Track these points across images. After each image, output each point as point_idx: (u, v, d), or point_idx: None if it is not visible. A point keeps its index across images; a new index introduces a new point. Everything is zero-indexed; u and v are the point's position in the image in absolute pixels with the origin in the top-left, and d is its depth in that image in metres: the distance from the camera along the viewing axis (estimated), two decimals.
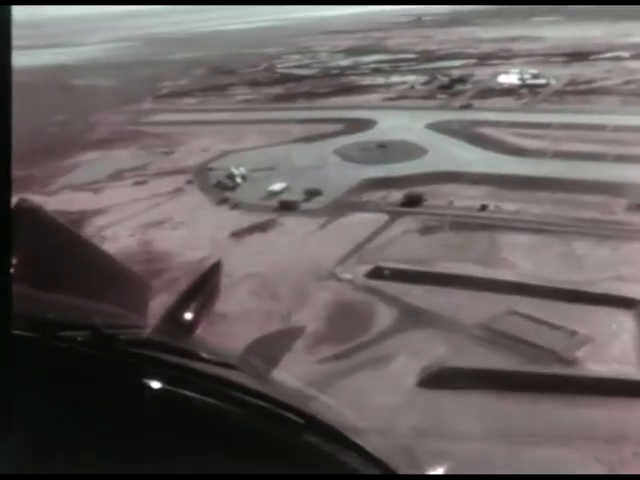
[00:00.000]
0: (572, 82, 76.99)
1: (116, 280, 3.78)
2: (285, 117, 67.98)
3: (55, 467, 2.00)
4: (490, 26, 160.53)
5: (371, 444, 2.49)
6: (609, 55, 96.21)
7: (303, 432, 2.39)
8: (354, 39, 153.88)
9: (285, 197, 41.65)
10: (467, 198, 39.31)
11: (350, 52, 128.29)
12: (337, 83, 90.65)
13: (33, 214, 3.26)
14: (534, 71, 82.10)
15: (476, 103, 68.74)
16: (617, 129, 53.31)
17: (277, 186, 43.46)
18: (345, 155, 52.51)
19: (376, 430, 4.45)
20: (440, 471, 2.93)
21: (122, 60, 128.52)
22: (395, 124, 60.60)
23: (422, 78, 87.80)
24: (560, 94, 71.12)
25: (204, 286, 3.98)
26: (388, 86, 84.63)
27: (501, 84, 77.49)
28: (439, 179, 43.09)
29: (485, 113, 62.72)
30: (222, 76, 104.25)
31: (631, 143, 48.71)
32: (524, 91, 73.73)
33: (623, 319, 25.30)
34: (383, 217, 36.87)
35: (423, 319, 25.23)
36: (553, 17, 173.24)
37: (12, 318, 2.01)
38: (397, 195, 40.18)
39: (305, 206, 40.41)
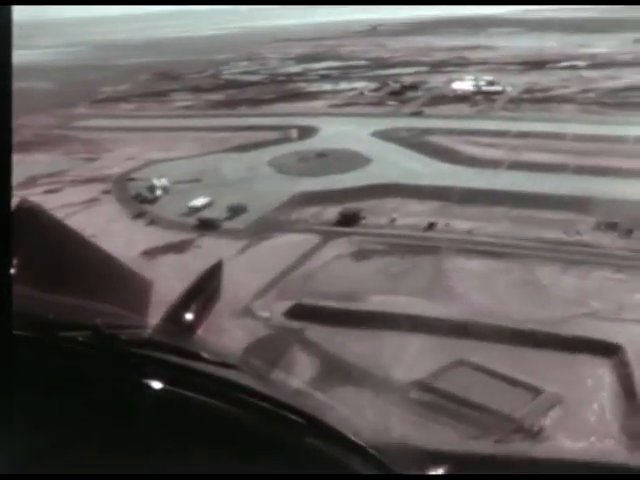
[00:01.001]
0: (529, 90, 73.01)
1: (116, 280, 3.93)
2: (223, 125, 62.59)
3: (55, 467, 1.98)
4: (446, 35, 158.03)
5: (371, 444, 2.39)
6: (566, 64, 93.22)
7: (303, 432, 2.36)
8: (307, 47, 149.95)
9: (206, 214, 36.31)
10: (412, 215, 34.01)
11: (300, 59, 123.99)
12: (283, 89, 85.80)
13: (33, 214, 3.47)
14: (489, 78, 78.08)
15: (428, 110, 64.09)
16: (577, 138, 48.92)
17: (199, 201, 38.19)
18: (280, 166, 47.20)
19: (376, 430, 4.71)
20: (440, 471, 2.87)
21: (66, 64, 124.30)
22: (339, 132, 55.57)
23: (372, 85, 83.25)
24: (517, 102, 66.92)
25: (204, 287, 4.00)
26: (336, 92, 79.86)
27: (455, 91, 73.15)
28: (382, 193, 37.76)
29: (437, 120, 57.97)
30: (165, 82, 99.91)
31: (592, 153, 44.24)
32: (479, 98, 69.43)
33: (600, 371, 20.17)
34: (314, 239, 31.29)
35: (346, 376, 19.58)
36: (509, 28, 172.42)
37: (12, 318, 2.04)
38: (333, 212, 34.66)
39: (227, 225, 34.95)
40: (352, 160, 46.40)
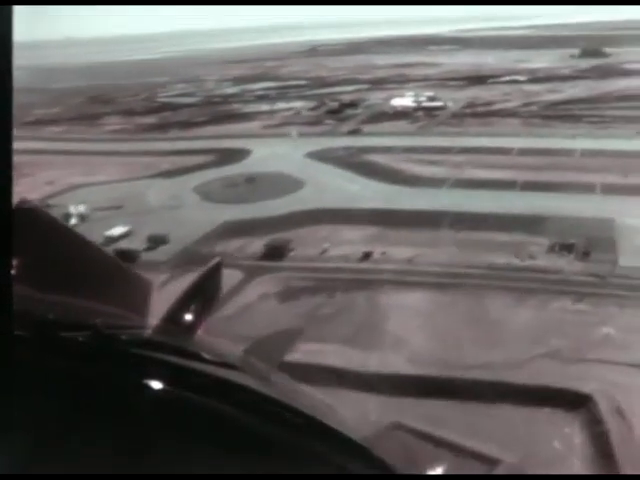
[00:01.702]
0: (470, 104, 70.78)
1: (117, 280, 3.65)
2: (151, 149, 58.39)
3: (55, 466, 1.99)
4: (386, 54, 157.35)
5: (371, 444, 2.44)
6: (506, 79, 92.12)
7: (303, 432, 2.37)
8: (246, 68, 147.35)
9: (124, 244, 32.39)
10: (346, 244, 30.24)
11: (238, 80, 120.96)
12: (218, 111, 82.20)
13: (34, 215, 3.25)
14: (430, 94, 75.68)
15: (367, 128, 60.99)
16: (523, 153, 46.24)
17: (117, 230, 34.35)
18: (206, 193, 43.22)
19: (376, 430, 4.33)
20: (440, 471, 2.97)
21: None
22: (271, 154, 51.83)
23: (310, 104, 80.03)
24: (459, 117, 64.42)
25: (204, 287, 3.89)
26: (272, 113, 76.43)
27: (395, 107, 70.36)
28: (313, 220, 33.99)
29: (376, 138, 54.78)
30: (99, 105, 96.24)
31: (540, 168, 41.49)
32: (420, 114, 66.71)
33: (568, 429, 16.65)
34: (237, 275, 27.24)
35: None
36: (448, 46, 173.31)
37: (12, 318, 2.07)
38: (260, 244, 30.73)
39: (147, 256, 30.85)
40: (283, 184, 42.65)
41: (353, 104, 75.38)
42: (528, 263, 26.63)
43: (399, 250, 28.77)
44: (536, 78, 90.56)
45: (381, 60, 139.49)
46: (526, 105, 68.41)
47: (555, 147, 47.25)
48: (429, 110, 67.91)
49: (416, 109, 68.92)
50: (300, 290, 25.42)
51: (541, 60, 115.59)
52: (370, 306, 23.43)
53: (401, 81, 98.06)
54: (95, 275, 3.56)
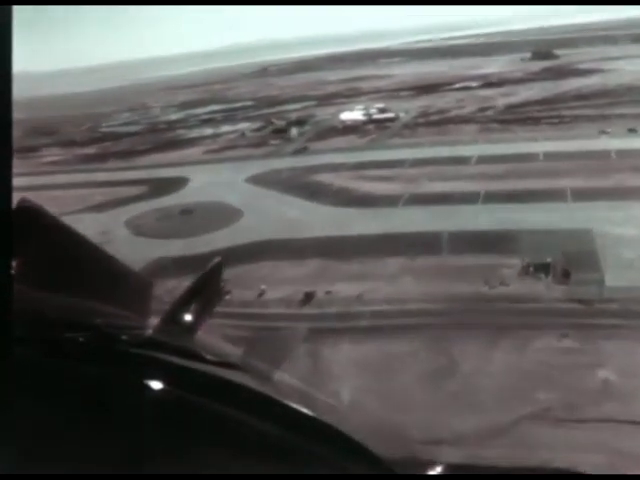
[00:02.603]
0: (423, 114, 67.21)
1: (117, 280, 3.55)
2: (86, 180, 53.73)
3: (55, 467, 2.00)
4: (337, 70, 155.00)
5: (371, 444, 2.38)
6: (458, 86, 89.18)
7: (303, 432, 2.34)
8: (194, 93, 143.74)
9: None
10: (287, 283, 25.58)
11: (184, 106, 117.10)
12: (160, 138, 77.80)
13: (34, 214, 3.15)
14: (380, 105, 71.99)
15: (314, 145, 56.82)
16: (482, 160, 42.33)
17: None
18: (138, 227, 38.53)
19: (376, 430, 4.10)
20: (440, 471, 2.70)
21: None
22: (211, 181, 47.41)
23: (255, 124, 75.90)
24: (412, 127, 60.67)
25: (205, 287, 3.80)
26: (215, 137, 72.13)
27: (344, 122, 66.40)
28: (251, 255, 29.35)
29: (323, 156, 50.54)
30: (39, 137, 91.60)
31: (502, 176, 37.56)
32: (370, 127, 62.83)
33: None
34: None
35: None
36: (398, 58, 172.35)
37: (12, 318, 2.07)
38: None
39: None
40: (221, 215, 38.07)
41: (300, 121, 71.29)
42: (500, 291, 22.33)
43: (346, 286, 24.25)
44: (489, 83, 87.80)
45: (331, 76, 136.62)
46: (481, 110, 65.06)
47: (516, 152, 43.47)
48: (380, 122, 64.13)
49: (366, 122, 65.08)
50: (234, 342, 20.71)
51: (492, 65, 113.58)
52: (309, 363, 18.73)
53: (352, 95, 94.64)
54: (95, 275, 3.35)
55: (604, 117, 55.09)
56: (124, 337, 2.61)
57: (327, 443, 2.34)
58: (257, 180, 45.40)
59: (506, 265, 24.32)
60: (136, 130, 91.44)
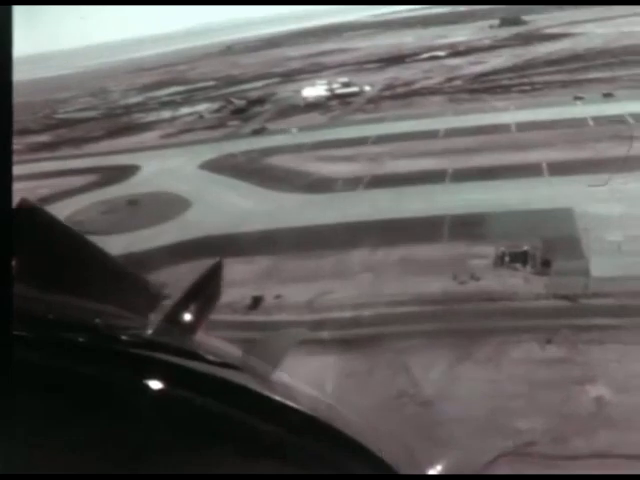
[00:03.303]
0: (389, 86, 63.86)
1: (116, 280, 3.67)
2: (34, 171, 49.80)
3: (55, 467, 2.00)
4: (302, 45, 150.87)
5: (371, 444, 2.39)
6: (426, 56, 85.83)
7: (303, 432, 2.34)
8: (156, 75, 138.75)
9: None
10: (234, 284, 22.12)
11: (145, 88, 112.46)
12: (117, 123, 73.86)
13: (34, 215, 3.23)
14: (344, 79, 68.45)
15: (274, 125, 53.27)
16: (451, 134, 39.28)
17: None
18: (81, 222, 35.26)
19: (376, 430, 3.89)
20: (440, 471, 2.88)
21: None
22: (162, 168, 43.85)
23: (215, 105, 72.13)
24: (376, 101, 57.30)
25: (204, 287, 3.85)
26: (173, 120, 68.29)
27: (306, 98, 62.84)
28: (196, 251, 25.96)
29: (282, 136, 47.13)
30: None
31: (472, 150, 34.53)
32: (333, 103, 59.40)
33: None
34: None
35: None
36: (365, 30, 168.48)
37: (12, 318, 2.06)
38: None
39: None
40: (168, 206, 34.69)
41: (261, 100, 67.67)
42: (470, 287, 19.28)
43: (298, 289, 21.10)
44: (457, 52, 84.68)
45: (296, 51, 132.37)
46: (449, 80, 61.89)
47: (486, 123, 40.47)
48: (343, 97, 60.71)
49: (329, 98, 61.60)
50: None
51: (460, 34, 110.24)
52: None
53: (315, 70, 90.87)
54: (95, 275, 3.38)
55: (577, 82, 52.28)
56: (124, 337, 2.59)
57: (327, 443, 2.30)
58: (211, 166, 42.04)
59: (478, 255, 21.29)
60: (93, 115, 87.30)
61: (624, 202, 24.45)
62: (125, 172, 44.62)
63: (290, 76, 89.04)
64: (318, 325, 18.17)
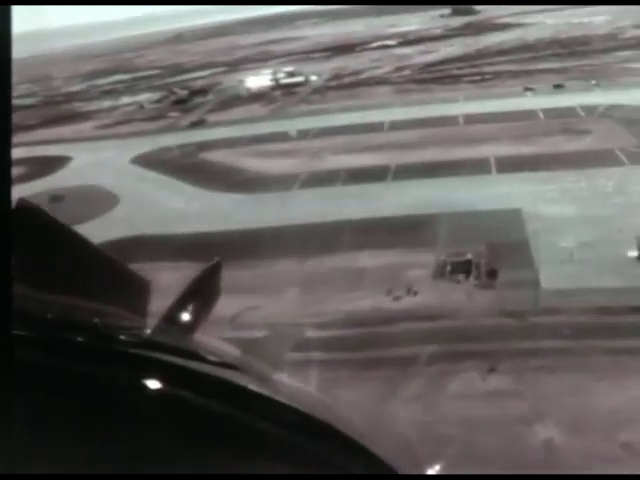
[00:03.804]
0: (336, 76, 61.52)
1: (116, 280, 3.41)
2: None
3: (55, 467, 2.01)
4: (252, 33, 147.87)
5: (371, 444, 2.37)
6: (376, 45, 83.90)
7: (303, 433, 2.33)
8: (102, 62, 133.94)
9: None
10: (155, 294, 19.88)
11: (89, 76, 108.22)
12: (54, 112, 70.22)
13: (34, 215, 3.08)
14: (289, 69, 65.88)
15: (214, 116, 50.56)
16: (396, 126, 37.24)
17: None
18: None
19: (376, 430, 4.05)
20: (440, 471, 2.86)
21: None
22: (93, 161, 40.93)
23: (156, 95, 69.00)
24: (321, 91, 54.97)
25: (203, 286, 3.69)
26: (112, 109, 65.00)
27: (249, 89, 60.23)
28: (117, 255, 23.26)
29: (221, 129, 44.44)
30: None
31: (417, 144, 32.58)
32: (277, 93, 56.92)
33: None
34: None
35: None
36: (316, 19, 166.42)
37: (12, 318, 2.06)
38: None
39: None
40: (94, 203, 31.90)
41: (203, 90, 64.73)
42: (405, 304, 17.11)
43: (222, 301, 18.57)
44: (407, 41, 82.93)
45: (245, 40, 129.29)
46: (398, 70, 59.88)
47: (433, 115, 38.55)
48: (288, 87, 58.22)
49: (273, 88, 59.05)
50: None
51: (412, 23, 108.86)
52: None
53: (262, 59, 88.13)
54: (95, 275, 3.24)
55: (527, 72, 50.86)
56: (123, 337, 2.61)
57: (327, 443, 2.30)
58: (143, 160, 39.20)
59: (417, 264, 19.13)
60: (31, 103, 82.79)
61: (576, 203, 22.72)
62: (54, 164, 41.75)
63: (237, 65, 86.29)
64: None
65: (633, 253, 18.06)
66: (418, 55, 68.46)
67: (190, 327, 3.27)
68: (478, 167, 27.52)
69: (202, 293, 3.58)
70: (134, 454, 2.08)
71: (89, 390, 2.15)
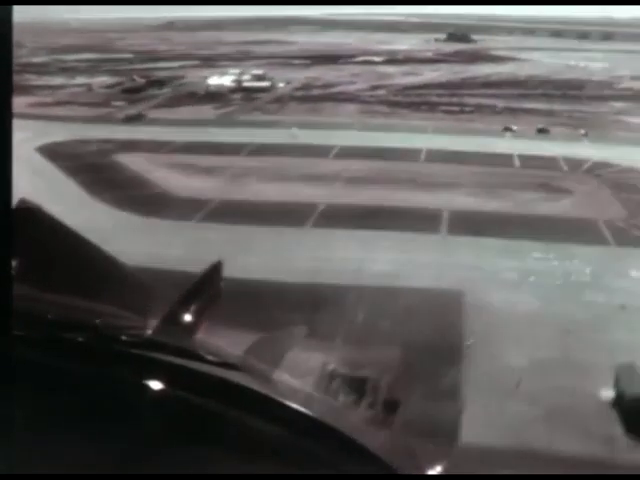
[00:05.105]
0: (306, 86, 56.14)
1: (116, 280, 3.64)
2: None
3: (55, 467, 1.97)
4: (242, 32, 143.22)
5: (371, 444, 2.33)
6: (360, 59, 78.91)
7: (304, 433, 2.32)
8: (82, 38, 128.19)
9: None
10: None
11: (59, 50, 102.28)
12: None
13: (34, 215, 3.24)
14: (259, 72, 60.45)
15: (157, 113, 44.76)
16: (345, 154, 31.70)
17: None
18: None
19: (376, 430, 3.98)
20: (440, 471, 2.66)
21: None
22: None
23: (112, 80, 63.25)
24: (283, 100, 49.42)
25: (205, 287, 3.81)
26: (58, 88, 59.16)
27: (208, 87, 54.61)
28: None
29: (155, 129, 38.70)
30: None
31: (360, 180, 27.26)
32: (236, 96, 51.34)
33: None
34: None
35: None
36: (312, 26, 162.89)
37: (12, 318, 2.04)
38: None
39: None
40: None
41: (161, 82, 59.02)
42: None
43: None
44: (394, 59, 78.09)
45: (231, 37, 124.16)
46: (373, 88, 54.60)
47: (394, 146, 33.10)
48: (250, 91, 52.70)
49: (234, 90, 53.44)
50: None
51: (404, 42, 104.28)
52: None
53: (241, 58, 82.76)
54: (95, 275, 3.37)
55: (511, 110, 45.69)
56: (124, 337, 2.57)
57: (326, 443, 2.28)
58: (50, 151, 33.37)
59: (298, 368, 13.40)
60: None
61: (540, 292, 17.12)
62: None
63: (213, 61, 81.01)
64: None
65: (607, 393, 12.48)
66: (400, 76, 63.35)
67: (192, 327, 3.21)
68: (425, 222, 21.90)
69: (203, 294, 3.53)
70: (134, 454, 2.01)
71: (89, 390, 2.09)
